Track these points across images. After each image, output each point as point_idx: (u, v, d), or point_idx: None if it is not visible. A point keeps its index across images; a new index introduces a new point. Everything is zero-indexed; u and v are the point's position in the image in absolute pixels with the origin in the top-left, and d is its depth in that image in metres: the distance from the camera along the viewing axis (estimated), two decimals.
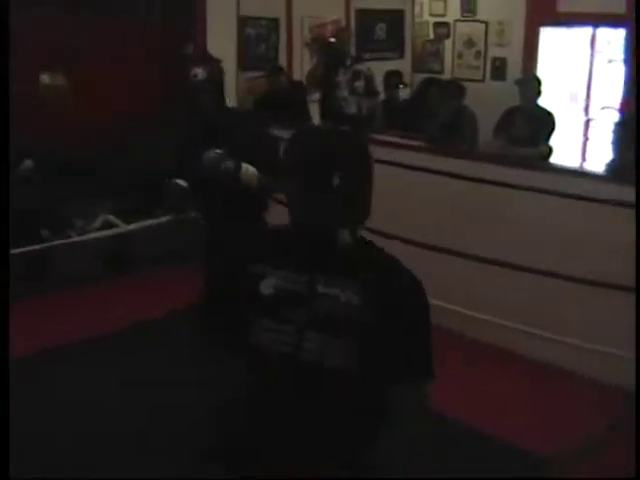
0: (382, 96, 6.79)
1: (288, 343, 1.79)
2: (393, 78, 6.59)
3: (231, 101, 6.96)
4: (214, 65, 3.93)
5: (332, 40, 7.08)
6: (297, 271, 1.82)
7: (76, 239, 6.06)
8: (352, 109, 6.60)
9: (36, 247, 6.00)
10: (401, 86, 6.46)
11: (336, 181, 1.77)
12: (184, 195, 3.87)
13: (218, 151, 3.67)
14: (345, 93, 6.60)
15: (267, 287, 1.82)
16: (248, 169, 3.69)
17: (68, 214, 6.25)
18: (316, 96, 6.86)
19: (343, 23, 8.08)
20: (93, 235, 6.21)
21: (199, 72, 3.80)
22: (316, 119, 6.77)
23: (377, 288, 1.81)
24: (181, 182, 3.84)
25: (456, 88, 6.06)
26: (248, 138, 3.82)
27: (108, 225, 6.29)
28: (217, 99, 3.84)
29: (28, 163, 6.07)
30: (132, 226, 6.24)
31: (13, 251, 5.83)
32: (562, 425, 4.14)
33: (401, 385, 1.82)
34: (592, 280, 4.36)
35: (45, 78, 6.25)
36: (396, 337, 1.80)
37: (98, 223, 6.24)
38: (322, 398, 1.79)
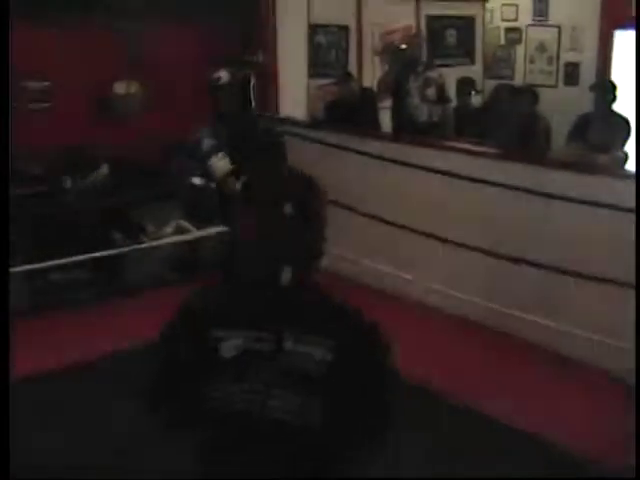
0: (454, 103, 6.72)
1: (253, 402, 1.75)
2: (465, 85, 6.53)
3: (301, 107, 7.08)
4: (240, 69, 3.84)
5: (403, 47, 7.06)
6: (260, 328, 1.78)
7: (148, 244, 6.14)
8: (423, 116, 6.57)
9: (109, 252, 6.11)
10: (473, 93, 6.39)
11: (288, 210, 1.73)
12: (198, 193, 3.81)
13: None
14: (416, 100, 6.57)
15: (229, 350, 1.77)
16: (219, 161, 3.61)
17: (141, 219, 6.34)
18: (387, 103, 6.85)
19: (413, 30, 8.06)
20: (165, 240, 6.28)
21: (222, 76, 3.73)
22: (386, 126, 6.75)
23: (350, 347, 1.78)
24: (197, 180, 3.81)
25: (529, 94, 5.96)
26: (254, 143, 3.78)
27: (180, 230, 6.36)
28: (240, 103, 3.73)
29: (104, 168, 6.19)
30: (203, 232, 6.27)
31: (86, 256, 5.96)
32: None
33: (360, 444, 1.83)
34: None
35: (119, 87, 6.35)
36: (360, 396, 1.79)
37: (170, 228, 6.30)
38: (288, 457, 1.75)
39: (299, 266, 1.77)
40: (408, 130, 6.36)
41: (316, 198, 1.82)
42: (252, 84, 3.86)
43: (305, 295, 1.83)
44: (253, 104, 3.96)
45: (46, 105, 6.11)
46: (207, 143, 3.79)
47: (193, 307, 1.90)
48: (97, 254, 6.03)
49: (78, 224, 6.22)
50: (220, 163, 3.67)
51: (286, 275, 1.75)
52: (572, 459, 3.83)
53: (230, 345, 1.76)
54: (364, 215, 6.08)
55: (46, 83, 6.08)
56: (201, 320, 1.83)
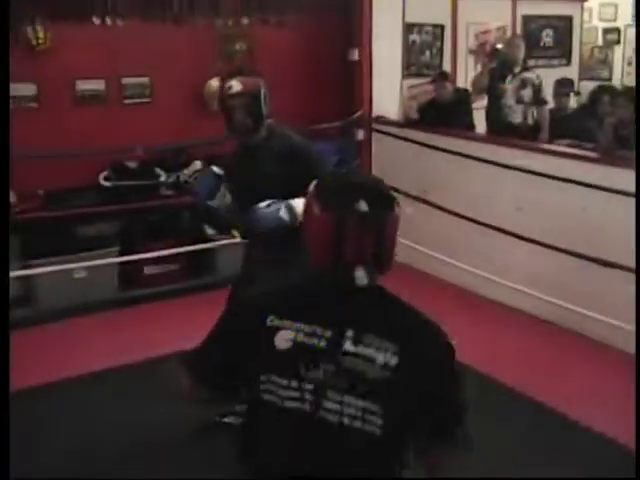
0: (551, 104, 6.58)
1: (307, 402, 1.70)
2: (564, 86, 6.38)
3: (395, 107, 7.04)
4: (252, 79, 3.61)
5: (499, 46, 6.95)
6: (320, 325, 1.73)
7: (239, 239, 6.17)
8: (518, 118, 6.46)
9: (202, 245, 6.19)
10: (572, 94, 6.25)
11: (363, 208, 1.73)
12: (215, 182, 3.63)
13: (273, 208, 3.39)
14: (511, 101, 6.47)
15: (283, 341, 1.73)
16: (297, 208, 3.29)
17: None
18: (481, 104, 6.76)
19: (509, 30, 7.94)
20: None
21: (233, 85, 3.55)
22: (481, 127, 6.66)
23: (415, 351, 1.73)
24: (216, 169, 3.64)
25: (631, 97, 5.78)
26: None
27: None
28: (253, 114, 3.54)
29: (197, 164, 6.26)
30: None
31: (179, 249, 6.05)
32: None
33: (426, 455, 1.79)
34: None
35: (213, 83, 6.41)
36: (427, 406, 1.74)
37: None
38: (346, 463, 1.71)
39: (372, 268, 1.76)
40: (502, 131, 6.26)
41: (388, 202, 1.79)
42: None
43: (369, 295, 1.79)
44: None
45: (146, 100, 6.20)
46: None
47: (259, 293, 1.92)
48: (190, 248, 6.12)
49: (172, 218, 6.33)
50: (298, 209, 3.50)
51: (360, 275, 1.73)
52: None
53: (284, 335, 1.73)
54: (455, 215, 6.03)
55: (146, 79, 6.17)
56: (260, 306, 1.81)
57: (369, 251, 1.73)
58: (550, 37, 8.48)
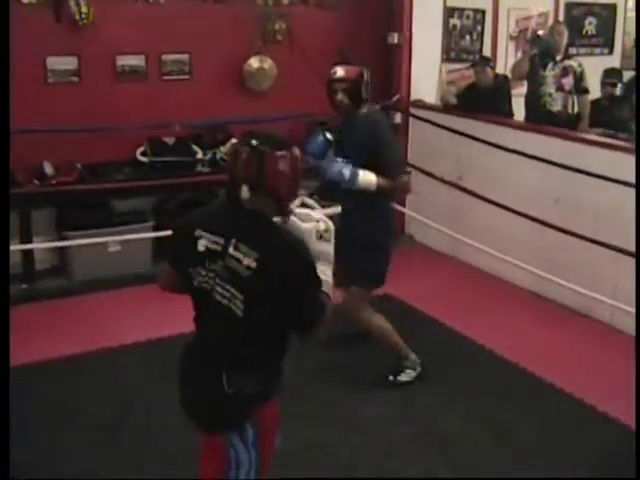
0: (598, 94, 6.50)
1: (209, 284, 2.47)
2: (611, 76, 6.29)
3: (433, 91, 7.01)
4: (355, 67, 4.25)
5: (540, 33, 6.88)
6: (218, 234, 2.44)
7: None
8: (557, 106, 6.40)
9: None
10: (619, 85, 6.14)
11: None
12: (325, 144, 4.29)
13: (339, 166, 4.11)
14: (551, 89, 6.39)
15: (201, 245, 2.46)
16: (364, 178, 4.06)
17: None
18: (521, 91, 6.70)
19: (550, 16, 7.85)
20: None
21: (337, 70, 4.20)
22: (520, 114, 6.61)
23: (272, 258, 2.37)
24: (329, 134, 4.28)
25: None
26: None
27: (305, 206, 6.39)
28: (351, 96, 4.17)
29: (234, 142, 6.28)
30: (328, 210, 6.29)
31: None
32: None
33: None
34: None
35: (252, 62, 6.43)
36: (280, 299, 2.38)
37: (295, 203, 6.35)
38: (223, 326, 2.46)
39: (254, 191, 2.41)
40: (541, 119, 6.20)
41: (274, 145, 2.44)
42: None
43: (249, 214, 2.44)
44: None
45: (184, 77, 6.23)
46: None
47: (196, 212, 2.66)
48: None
49: (207, 195, 6.36)
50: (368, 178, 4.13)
51: (244, 191, 2.41)
52: None
53: (202, 242, 2.46)
54: (484, 200, 6.03)
55: (185, 55, 6.19)
56: (193, 222, 2.55)
57: (253, 176, 2.40)
58: (593, 25, 8.38)
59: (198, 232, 2.47)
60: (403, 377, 4.41)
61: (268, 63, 6.43)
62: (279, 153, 2.42)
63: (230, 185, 2.45)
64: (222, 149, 6.22)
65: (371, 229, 4.24)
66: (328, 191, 4.22)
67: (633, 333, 4.79)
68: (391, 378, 4.40)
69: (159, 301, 5.51)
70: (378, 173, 4.04)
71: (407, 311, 5.40)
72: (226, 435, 2.49)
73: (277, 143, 2.45)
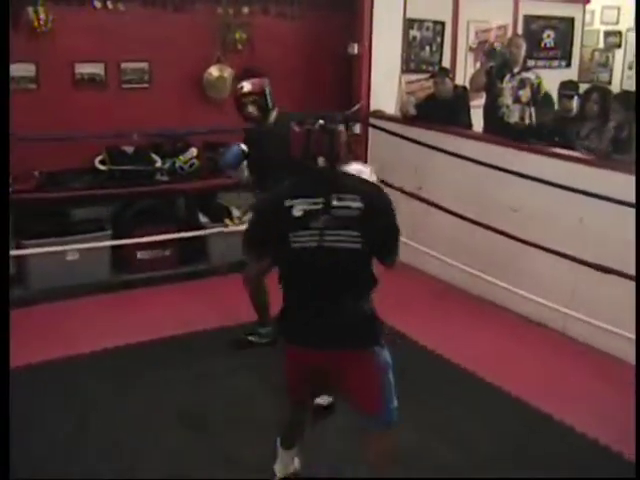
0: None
1: (315, 239, 2.86)
2: (568, 88, 6.36)
3: (392, 102, 7.06)
4: (259, 80, 4.64)
5: (497, 46, 6.96)
6: (315, 196, 2.88)
7: (231, 228, 6.21)
8: (514, 118, 6.46)
9: (194, 233, 6.22)
10: (575, 97, 6.22)
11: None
12: (240, 155, 4.73)
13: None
14: (509, 101, 6.47)
15: (297, 211, 2.87)
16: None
17: (227, 204, 6.42)
18: (480, 102, 6.77)
19: (509, 29, 7.95)
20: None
21: (244, 85, 4.61)
22: (479, 125, 6.67)
23: (370, 199, 2.89)
24: (243, 146, 4.73)
25: (629, 100, 5.78)
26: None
27: None
28: (260, 107, 4.64)
29: (192, 151, 6.29)
30: None
31: (172, 235, 6.07)
32: None
33: (384, 255, 3.00)
34: None
35: (212, 71, 6.44)
36: (380, 228, 2.91)
37: None
38: (340, 266, 2.90)
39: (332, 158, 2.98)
40: (499, 131, 6.27)
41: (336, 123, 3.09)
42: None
43: (339, 174, 3.00)
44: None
45: (144, 86, 6.22)
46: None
47: (274, 192, 3.05)
48: (183, 234, 6.15)
49: (166, 204, 6.35)
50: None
51: (321, 161, 2.96)
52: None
53: (298, 208, 2.87)
54: (444, 210, 6.10)
55: (145, 64, 6.18)
56: (279, 196, 2.95)
57: (327, 148, 2.96)
58: (551, 38, 8.51)
59: (288, 202, 2.89)
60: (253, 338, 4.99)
61: (228, 72, 6.44)
62: (340, 129, 3.05)
63: (306, 158, 2.97)
64: (181, 158, 6.23)
65: None
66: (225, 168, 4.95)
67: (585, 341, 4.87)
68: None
69: (117, 310, 5.57)
70: None
71: None
72: (377, 345, 3.00)
73: (333, 122, 3.05)
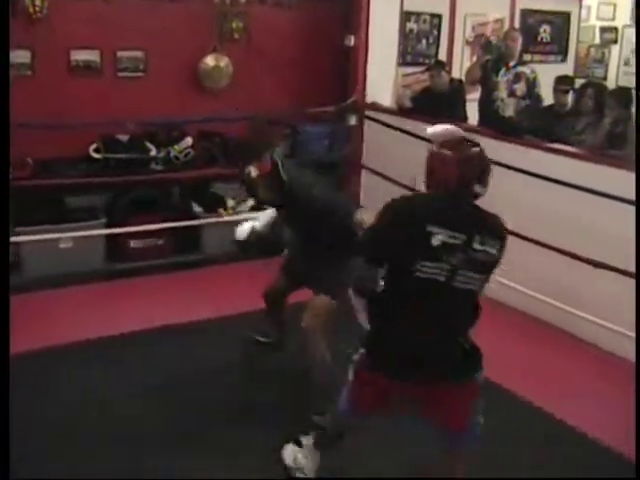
0: (550, 101, 6.58)
1: (444, 276, 2.71)
2: (563, 83, 6.38)
3: (388, 94, 7.06)
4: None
5: (492, 39, 6.96)
6: (457, 230, 2.70)
7: (225, 218, 6.21)
8: (509, 111, 6.48)
9: (189, 222, 6.21)
10: (571, 92, 6.24)
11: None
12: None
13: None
14: (504, 95, 6.48)
15: (436, 240, 2.67)
16: None
17: (222, 193, 6.41)
18: (475, 95, 6.78)
19: (506, 23, 7.95)
20: (243, 216, 6.33)
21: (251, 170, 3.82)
22: (474, 118, 6.68)
23: (502, 246, 2.79)
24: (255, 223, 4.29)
25: (624, 96, 5.80)
26: None
27: (259, 208, 6.41)
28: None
29: (187, 140, 6.28)
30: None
31: (165, 224, 6.06)
32: None
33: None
34: None
35: (208, 61, 6.43)
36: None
37: (249, 205, 6.37)
38: (459, 305, 2.81)
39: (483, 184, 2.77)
40: (494, 124, 6.27)
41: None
42: None
43: (481, 211, 2.80)
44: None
45: (139, 74, 6.20)
46: None
47: (415, 205, 2.82)
48: (177, 224, 6.14)
49: (160, 193, 6.33)
50: None
51: (478, 190, 2.75)
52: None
53: (438, 238, 2.67)
54: None
55: (141, 53, 6.16)
56: (421, 217, 2.72)
57: (481, 173, 2.75)
58: (547, 33, 8.51)
59: (431, 228, 2.68)
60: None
61: (224, 61, 6.43)
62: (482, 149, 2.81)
63: (459, 184, 2.72)
64: (176, 147, 6.21)
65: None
66: None
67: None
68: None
69: (111, 298, 5.56)
70: None
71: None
72: (475, 380, 2.89)
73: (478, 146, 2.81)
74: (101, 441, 3.77)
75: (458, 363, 2.85)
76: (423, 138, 6.05)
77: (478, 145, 2.78)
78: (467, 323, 2.88)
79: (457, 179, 2.72)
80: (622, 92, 6.06)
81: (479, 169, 2.75)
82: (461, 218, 2.74)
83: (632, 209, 4.66)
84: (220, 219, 6.24)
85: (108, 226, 5.93)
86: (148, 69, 6.23)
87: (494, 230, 2.79)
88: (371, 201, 6.29)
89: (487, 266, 2.76)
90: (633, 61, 9.22)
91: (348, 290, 3.89)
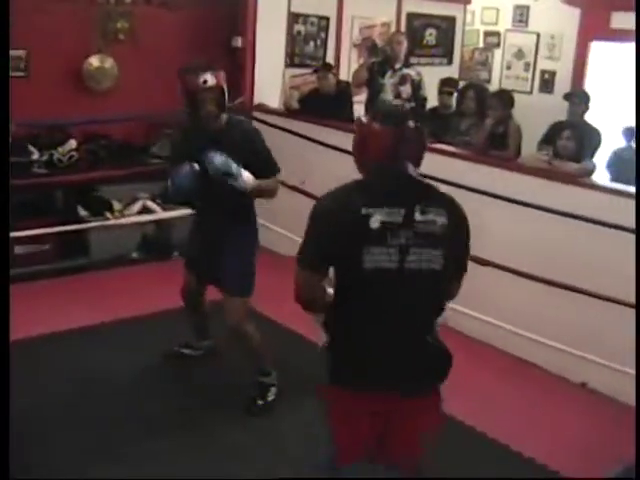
0: (435, 103, 6.74)
1: (395, 260, 2.48)
2: (447, 85, 6.53)
3: (276, 96, 7.08)
4: (221, 72, 3.93)
5: (378, 42, 7.06)
6: (396, 206, 2.48)
7: (112, 222, 6.11)
8: None
9: (74, 226, 6.08)
10: (455, 94, 6.40)
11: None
12: (191, 176, 3.87)
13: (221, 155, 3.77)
14: (390, 97, 6.59)
15: (374, 222, 2.45)
16: (246, 174, 3.83)
17: (108, 196, 6.30)
18: (362, 97, 6.87)
19: (393, 26, 8.08)
20: (130, 219, 6.26)
21: (208, 78, 3.82)
22: None
23: (453, 214, 2.58)
24: (195, 165, 3.86)
25: (505, 97, 5.99)
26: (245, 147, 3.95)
27: (146, 210, 6.35)
28: (220, 106, 3.89)
29: (71, 143, 6.14)
30: (171, 213, 6.26)
31: (50, 229, 5.92)
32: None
33: (454, 277, 2.69)
34: None
35: (93, 61, 6.31)
36: (459, 246, 2.63)
37: (137, 208, 6.29)
38: (421, 291, 2.55)
39: (417, 164, 2.61)
40: None
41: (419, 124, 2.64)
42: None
43: (420, 182, 2.61)
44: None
45: (21, 74, 6.02)
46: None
47: (343, 194, 2.58)
48: (61, 228, 6.00)
49: (44, 197, 6.18)
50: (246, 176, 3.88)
51: (411, 168, 2.57)
52: None
53: (376, 219, 2.44)
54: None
55: (22, 51, 5.98)
56: (353, 202, 2.49)
57: (417, 152, 2.59)
58: (433, 36, 8.67)
59: (366, 210, 2.46)
60: (270, 396, 4.26)
61: (109, 62, 6.32)
62: (423, 128, 2.65)
63: (392, 161, 2.55)
64: (60, 150, 6.06)
65: (252, 238, 4.21)
66: (179, 195, 4.02)
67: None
68: (260, 402, 4.22)
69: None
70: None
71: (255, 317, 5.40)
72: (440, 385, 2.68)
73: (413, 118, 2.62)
74: None
75: (428, 367, 2.61)
76: (311, 139, 6.21)
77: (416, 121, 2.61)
78: (432, 312, 2.63)
79: (390, 153, 2.54)
80: (503, 94, 6.24)
81: (416, 149, 2.59)
82: (397, 192, 2.54)
83: (518, 208, 4.82)
84: (107, 222, 6.13)
85: None
86: (30, 69, 6.05)
87: (437, 198, 2.60)
88: (262, 204, 6.33)
89: (439, 238, 2.51)
90: (514, 65, 9.54)
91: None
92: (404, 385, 2.58)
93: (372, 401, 2.58)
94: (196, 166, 3.85)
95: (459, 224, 2.61)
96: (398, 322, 2.54)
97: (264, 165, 4.01)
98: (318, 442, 2.94)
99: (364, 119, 2.63)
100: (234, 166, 3.76)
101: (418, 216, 2.48)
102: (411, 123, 2.55)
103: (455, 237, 2.57)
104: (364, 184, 2.60)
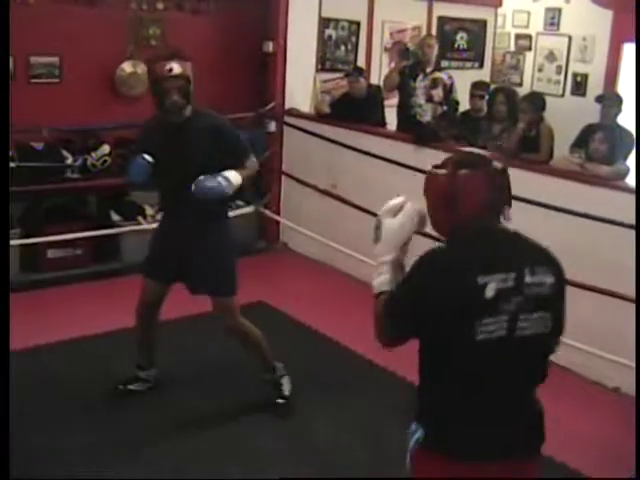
0: (467, 106, 6.70)
1: (504, 328, 2.22)
2: (479, 88, 6.50)
3: (307, 100, 7.09)
4: (186, 62, 3.89)
5: (409, 46, 7.04)
6: (506, 270, 2.22)
7: (144, 226, 6.15)
8: (427, 117, 6.57)
9: (107, 231, 6.12)
10: (486, 97, 6.36)
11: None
12: (144, 169, 3.88)
13: (214, 179, 3.71)
14: (421, 100, 6.57)
15: (490, 291, 2.19)
16: (232, 175, 3.77)
17: (140, 201, 6.35)
18: (393, 101, 6.86)
19: (424, 30, 8.06)
20: None
21: (174, 67, 3.78)
22: (393, 124, 6.75)
23: (558, 271, 2.32)
24: (146, 156, 3.86)
25: (537, 100, 5.94)
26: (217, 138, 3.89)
27: None
28: (185, 96, 3.82)
29: (105, 148, 6.19)
30: None
31: (84, 234, 5.97)
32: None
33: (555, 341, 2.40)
34: None
35: (125, 67, 6.36)
36: (563, 304, 2.36)
37: None
38: (530, 357, 2.30)
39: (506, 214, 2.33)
40: (412, 130, 6.35)
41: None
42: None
43: (525, 238, 2.34)
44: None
45: (54, 80, 6.08)
46: None
47: (454, 256, 2.27)
48: (94, 233, 6.05)
49: (77, 202, 6.24)
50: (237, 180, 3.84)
51: (508, 218, 2.32)
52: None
53: (491, 287, 2.18)
54: (357, 208, 6.12)
55: (55, 58, 6.04)
56: (467, 268, 2.21)
57: (509, 196, 2.32)
58: (464, 40, 8.64)
59: (482, 279, 2.19)
60: (286, 391, 4.23)
61: (141, 68, 6.35)
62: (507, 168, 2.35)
63: (489, 212, 2.29)
64: (93, 155, 6.12)
65: (227, 234, 4.10)
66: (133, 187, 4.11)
67: None
68: (280, 401, 4.21)
69: (24, 310, 5.43)
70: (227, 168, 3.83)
71: (280, 318, 5.42)
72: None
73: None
74: None
75: (535, 430, 2.40)
76: (341, 144, 6.21)
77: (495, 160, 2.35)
78: (538, 377, 2.38)
79: (488, 203, 2.27)
80: (535, 97, 6.20)
81: (507, 188, 2.32)
82: (505, 253, 2.29)
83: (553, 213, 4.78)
84: (139, 227, 6.17)
85: (23, 236, 5.79)
86: (63, 75, 6.12)
87: (542, 254, 2.35)
88: (292, 208, 6.36)
89: (548, 299, 2.28)
90: (546, 68, 9.48)
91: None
92: (519, 450, 2.36)
93: (495, 470, 2.31)
94: (149, 158, 3.84)
95: (563, 280, 2.35)
96: (508, 388, 2.31)
97: (234, 150, 3.93)
98: None
99: (443, 170, 2.37)
100: (223, 183, 3.71)
101: (528, 278, 2.25)
102: (497, 164, 2.30)
103: (562, 296, 2.35)
104: (473, 245, 2.29)
